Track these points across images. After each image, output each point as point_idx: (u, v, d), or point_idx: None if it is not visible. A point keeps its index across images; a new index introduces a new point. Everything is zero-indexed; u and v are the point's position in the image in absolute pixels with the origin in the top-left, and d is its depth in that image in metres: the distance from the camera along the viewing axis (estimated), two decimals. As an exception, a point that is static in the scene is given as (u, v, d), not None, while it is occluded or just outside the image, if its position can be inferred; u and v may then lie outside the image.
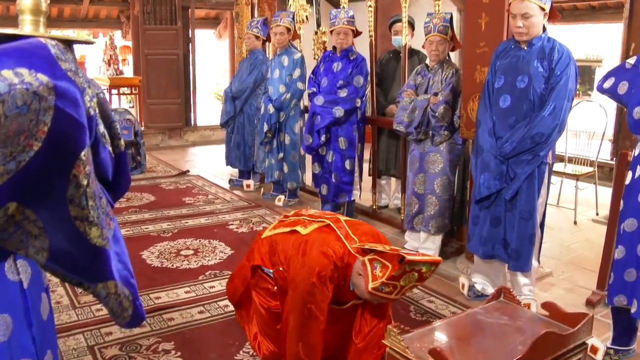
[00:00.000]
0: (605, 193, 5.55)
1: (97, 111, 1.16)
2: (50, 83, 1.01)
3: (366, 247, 2.50)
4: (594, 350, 3.09)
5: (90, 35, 14.39)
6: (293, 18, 6.01)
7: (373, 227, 2.91)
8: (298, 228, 2.80)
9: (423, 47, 4.54)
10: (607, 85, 2.99)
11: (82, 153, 1.08)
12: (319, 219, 2.83)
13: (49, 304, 1.50)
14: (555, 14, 3.42)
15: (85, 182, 1.10)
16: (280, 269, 2.82)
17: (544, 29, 3.41)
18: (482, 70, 3.78)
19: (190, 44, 10.07)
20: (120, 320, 1.34)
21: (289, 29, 5.91)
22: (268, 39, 6.67)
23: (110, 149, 1.25)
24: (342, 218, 2.86)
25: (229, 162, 7.01)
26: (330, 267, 2.56)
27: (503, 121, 3.45)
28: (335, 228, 2.71)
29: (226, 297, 3.65)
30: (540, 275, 4.15)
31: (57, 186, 1.09)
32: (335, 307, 2.76)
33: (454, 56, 5.07)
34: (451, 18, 4.29)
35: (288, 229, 2.86)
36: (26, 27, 1.11)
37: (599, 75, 10.63)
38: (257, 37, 6.58)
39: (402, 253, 2.37)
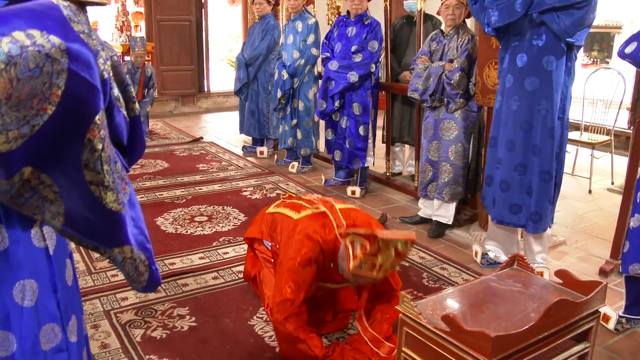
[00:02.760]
0: (621, 162, 5.50)
1: (111, 74, 1.15)
2: (62, 45, 0.99)
3: (349, 231, 2.55)
4: (606, 318, 3.09)
5: (102, 1, 14.29)
6: (307, -17, 5.93)
7: (367, 215, 3.00)
8: (292, 213, 2.95)
9: (438, 13, 4.46)
10: (628, 50, 2.91)
11: (97, 117, 1.07)
12: (315, 207, 2.94)
13: (73, 270, 1.51)
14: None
15: (100, 146, 1.09)
16: (277, 246, 3.00)
17: None
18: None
19: (203, 10, 9.97)
20: (136, 284, 1.35)
21: (303, -6, 5.84)
22: (277, 3, 6.59)
23: (124, 112, 1.24)
24: (338, 206, 2.94)
25: (244, 130, 6.99)
26: (315, 250, 2.69)
27: (519, 80, 3.37)
28: (328, 214, 2.83)
29: (239, 262, 3.69)
30: (553, 243, 4.14)
31: (72, 150, 1.08)
32: (331, 285, 2.91)
33: (470, 23, 4.99)
34: (468, -18, 4.21)
35: (288, 210, 3.01)
36: (38, -12, 1.09)
37: (618, 42, 10.44)
38: (268, 2, 6.50)
39: (376, 232, 2.44)
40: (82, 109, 1.06)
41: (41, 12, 1.00)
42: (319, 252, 2.70)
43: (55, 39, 0.99)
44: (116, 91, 1.19)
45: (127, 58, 10.41)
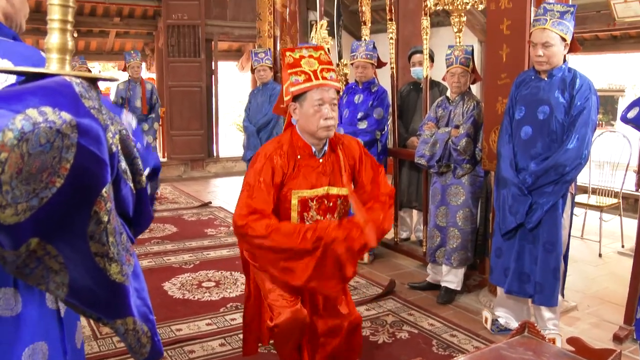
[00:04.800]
0: (631, 225, 5.46)
1: (119, 148, 1.18)
2: (73, 121, 1.02)
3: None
4: (622, 387, 3.01)
5: (115, 67, 14.72)
6: (315, 51, 6.06)
7: None
8: None
9: (444, 79, 4.54)
10: (631, 115, 2.94)
11: (104, 190, 1.09)
12: None
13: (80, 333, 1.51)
14: (576, 47, 3.42)
15: (106, 219, 1.10)
16: None
17: (565, 60, 3.40)
18: (504, 102, 3.77)
19: (213, 76, 10.20)
20: (138, 356, 1.33)
21: (310, 62, 5.96)
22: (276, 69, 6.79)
23: (131, 185, 1.26)
24: None
25: None
26: (274, 146, 2.69)
27: (525, 152, 3.43)
28: None
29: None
30: (565, 309, 4.07)
31: (78, 222, 1.09)
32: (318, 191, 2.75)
33: (475, 89, 5.07)
34: (472, 50, 4.30)
35: None
36: (52, 65, 1.13)
37: (621, 105, 10.54)
38: (270, 69, 6.68)
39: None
40: (90, 181, 1.08)
41: (54, 90, 1.04)
42: (279, 147, 2.68)
43: (67, 115, 1.02)
44: (123, 164, 1.22)
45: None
